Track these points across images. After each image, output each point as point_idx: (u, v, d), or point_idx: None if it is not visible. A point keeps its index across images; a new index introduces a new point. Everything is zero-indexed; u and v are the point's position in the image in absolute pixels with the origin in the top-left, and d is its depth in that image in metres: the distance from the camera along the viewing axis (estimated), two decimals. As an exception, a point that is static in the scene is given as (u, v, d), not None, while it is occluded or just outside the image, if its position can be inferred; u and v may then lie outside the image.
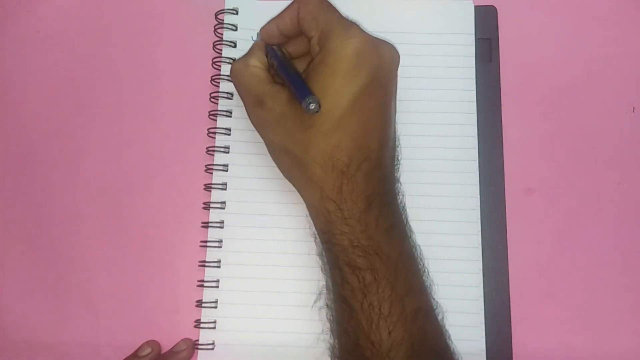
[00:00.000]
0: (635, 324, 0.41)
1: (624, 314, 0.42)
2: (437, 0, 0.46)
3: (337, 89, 0.32)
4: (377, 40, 0.34)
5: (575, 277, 0.42)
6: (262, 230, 0.42)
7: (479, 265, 0.41)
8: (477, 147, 0.43)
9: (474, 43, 0.45)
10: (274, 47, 0.38)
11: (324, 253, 0.36)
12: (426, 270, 0.36)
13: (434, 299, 0.36)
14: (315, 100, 0.31)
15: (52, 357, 0.42)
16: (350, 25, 0.34)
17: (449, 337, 0.36)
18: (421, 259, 0.36)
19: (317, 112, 0.32)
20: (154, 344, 0.41)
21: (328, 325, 0.37)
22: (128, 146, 0.45)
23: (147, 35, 0.47)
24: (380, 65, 0.33)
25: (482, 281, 0.41)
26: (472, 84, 0.44)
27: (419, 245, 0.37)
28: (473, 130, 0.44)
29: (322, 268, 0.37)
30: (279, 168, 0.37)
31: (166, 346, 0.42)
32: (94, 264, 0.43)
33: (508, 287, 0.42)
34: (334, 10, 0.35)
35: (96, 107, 0.46)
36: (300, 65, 0.38)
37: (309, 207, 0.35)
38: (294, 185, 0.36)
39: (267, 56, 0.37)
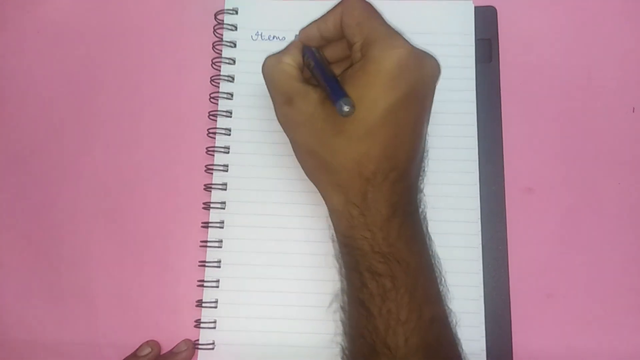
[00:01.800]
0: (635, 324, 0.41)
1: (625, 313, 0.42)
2: (437, 1, 0.46)
3: (374, 98, 0.32)
4: (420, 52, 0.33)
5: (575, 277, 0.42)
6: (262, 230, 0.42)
7: (479, 265, 0.41)
8: (477, 147, 0.43)
9: (473, 43, 0.45)
10: (312, 48, 0.37)
11: (342, 256, 0.35)
12: (443, 279, 0.36)
13: (448, 307, 0.36)
14: (350, 102, 0.31)
15: (52, 357, 0.42)
16: (395, 35, 0.33)
17: (461, 345, 0.35)
18: (439, 268, 0.36)
19: (350, 115, 0.31)
20: (153, 344, 0.41)
21: (341, 327, 0.37)
22: (128, 146, 0.45)
23: (147, 35, 0.47)
24: (420, 79, 0.33)
25: (482, 281, 0.41)
26: (472, 84, 0.44)
27: (438, 255, 0.37)
28: (473, 130, 0.44)
29: (338, 270, 0.36)
30: (304, 169, 0.37)
31: (166, 346, 0.42)
32: (94, 264, 0.43)
33: (508, 287, 0.42)
34: (379, 16, 0.34)
35: (96, 107, 0.46)
36: (336, 70, 0.37)
37: (332, 210, 0.35)
38: (317, 187, 0.36)
39: (303, 57, 0.36)
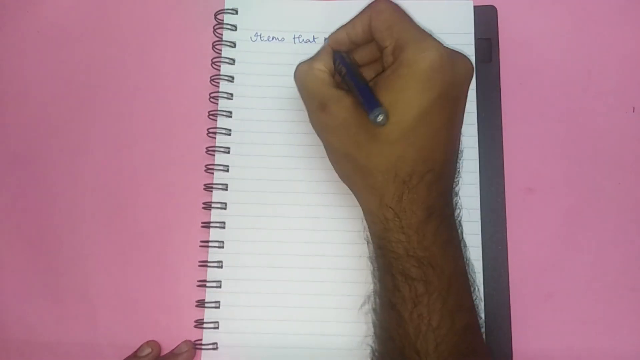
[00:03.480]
0: (635, 324, 0.41)
1: (624, 314, 0.42)
2: (437, 0, 0.46)
3: (407, 101, 0.32)
4: (453, 53, 0.33)
5: (575, 277, 0.42)
6: (264, 231, 0.42)
7: (479, 265, 0.41)
8: (477, 147, 0.43)
9: (473, 43, 0.45)
10: (342, 53, 0.37)
11: (376, 258, 0.35)
12: (476, 287, 0.36)
13: (481, 317, 0.36)
14: (384, 112, 0.31)
15: (52, 357, 0.42)
16: (426, 37, 0.33)
17: (494, 357, 0.35)
18: (472, 276, 0.36)
19: (383, 124, 0.31)
20: (153, 344, 0.41)
21: (372, 329, 0.36)
22: (128, 146, 0.45)
23: (147, 35, 0.47)
24: (453, 80, 0.33)
25: (482, 281, 0.41)
26: (472, 84, 0.44)
27: (472, 263, 0.36)
28: (473, 130, 0.44)
29: (372, 272, 0.36)
30: (337, 172, 0.37)
31: (166, 346, 0.42)
32: (94, 264, 0.43)
33: (508, 287, 0.42)
34: (408, 19, 0.34)
35: (96, 107, 0.46)
36: (366, 73, 0.37)
37: (366, 212, 0.35)
38: (351, 190, 0.36)
39: (334, 63, 0.36)
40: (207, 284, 0.41)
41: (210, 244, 0.42)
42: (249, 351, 0.41)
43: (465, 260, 0.35)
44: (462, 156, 0.38)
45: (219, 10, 0.46)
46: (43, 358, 0.42)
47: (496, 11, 0.46)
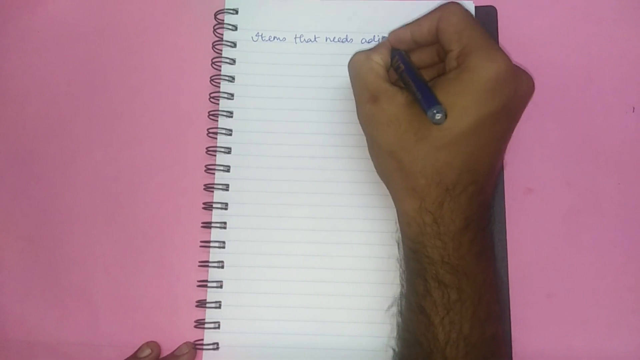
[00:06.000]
0: (635, 324, 0.41)
1: (624, 314, 0.42)
2: (438, 1, 0.46)
3: (465, 108, 0.32)
4: (518, 69, 0.33)
5: (575, 277, 0.42)
6: (266, 231, 0.42)
7: (478, 266, 0.41)
8: (477, 147, 0.43)
9: (474, 43, 0.45)
10: (401, 51, 0.36)
11: (407, 261, 0.35)
12: (504, 298, 0.36)
13: (506, 328, 0.36)
14: (443, 110, 0.31)
15: (52, 357, 0.42)
16: (495, 47, 0.33)
17: None
18: (501, 287, 0.36)
19: (442, 122, 0.31)
20: (153, 345, 0.41)
21: (395, 332, 0.36)
22: (128, 146, 0.45)
23: (146, 35, 0.47)
24: (515, 95, 0.33)
25: (482, 281, 0.41)
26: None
27: (500, 274, 0.36)
28: (473, 131, 0.44)
29: (400, 274, 0.36)
30: (377, 169, 0.36)
31: (165, 346, 0.42)
32: (94, 264, 0.43)
33: (508, 287, 0.42)
34: (478, 26, 0.34)
35: (96, 107, 0.46)
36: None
37: (402, 214, 0.35)
38: (388, 189, 0.36)
39: (392, 59, 0.36)
40: (209, 284, 0.41)
41: (211, 244, 0.42)
42: (251, 351, 0.41)
43: (495, 271, 0.35)
44: (503, 172, 0.38)
45: (219, 10, 0.46)
46: (43, 358, 0.42)
47: (496, 11, 0.46)
